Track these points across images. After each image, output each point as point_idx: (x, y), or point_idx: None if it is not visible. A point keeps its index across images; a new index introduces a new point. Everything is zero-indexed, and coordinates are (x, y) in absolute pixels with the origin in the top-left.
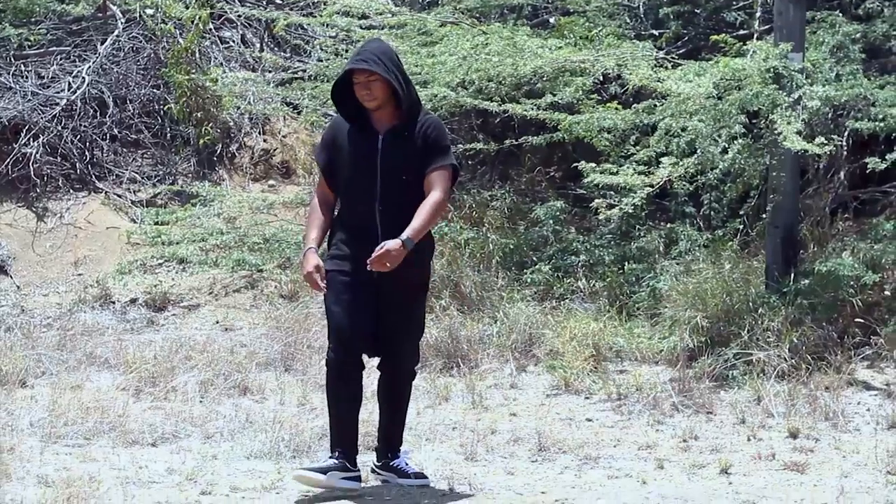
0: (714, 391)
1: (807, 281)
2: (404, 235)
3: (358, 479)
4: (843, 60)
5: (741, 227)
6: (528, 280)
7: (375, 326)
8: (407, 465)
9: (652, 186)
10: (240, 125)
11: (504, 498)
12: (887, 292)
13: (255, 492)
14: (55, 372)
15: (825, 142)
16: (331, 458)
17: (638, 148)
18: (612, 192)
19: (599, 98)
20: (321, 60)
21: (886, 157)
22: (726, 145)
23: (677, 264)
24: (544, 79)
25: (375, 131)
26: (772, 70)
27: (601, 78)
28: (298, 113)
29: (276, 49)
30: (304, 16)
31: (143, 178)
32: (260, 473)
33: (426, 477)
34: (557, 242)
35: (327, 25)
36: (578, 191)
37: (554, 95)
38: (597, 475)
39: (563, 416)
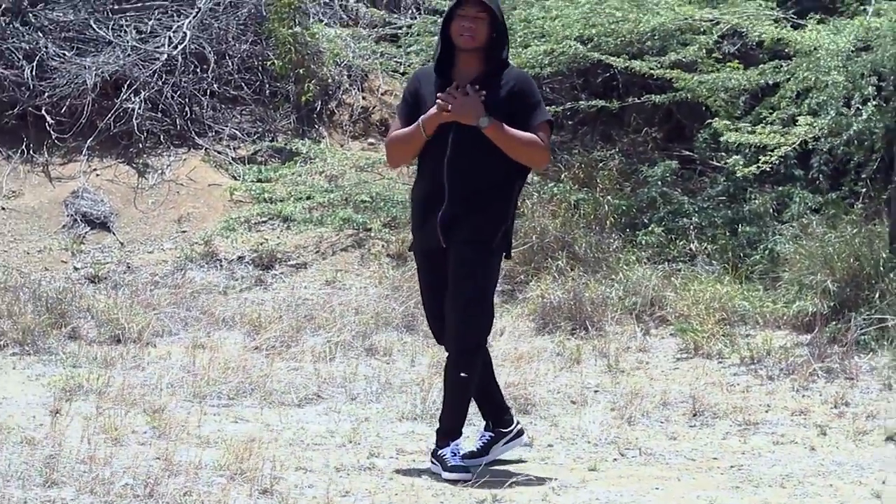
0: (849, 356)
1: None
2: (490, 118)
3: (520, 433)
4: None
5: (863, 190)
6: (642, 242)
7: None
8: (454, 456)
9: (790, 146)
10: (339, 82)
11: (678, 464)
12: None
13: (422, 455)
14: (175, 331)
15: None
16: (486, 431)
17: (769, 108)
18: (723, 154)
19: (718, 57)
20: (415, 18)
21: None
22: (859, 106)
23: (792, 227)
24: (655, 37)
25: (453, 82)
26: None
27: (718, 37)
28: (396, 72)
29: (369, 4)
30: None
31: (242, 134)
32: (420, 436)
33: (468, 471)
34: (666, 204)
35: None
36: (684, 152)
37: (678, 53)
38: (761, 441)
39: (702, 380)
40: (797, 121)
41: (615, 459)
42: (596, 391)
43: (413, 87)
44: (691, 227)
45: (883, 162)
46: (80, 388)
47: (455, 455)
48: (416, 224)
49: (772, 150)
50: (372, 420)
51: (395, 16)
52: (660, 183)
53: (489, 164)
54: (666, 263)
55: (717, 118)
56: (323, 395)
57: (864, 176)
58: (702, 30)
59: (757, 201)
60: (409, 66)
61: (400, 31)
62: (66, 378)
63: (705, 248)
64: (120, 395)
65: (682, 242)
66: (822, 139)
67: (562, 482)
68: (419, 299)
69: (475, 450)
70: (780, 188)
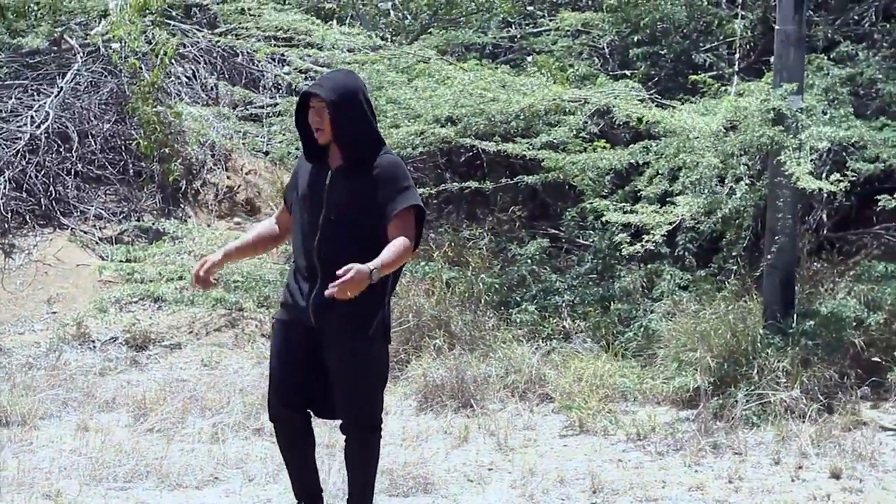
0: (733, 431)
1: (812, 322)
2: (372, 264)
3: None
4: (833, 103)
5: (734, 267)
6: (517, 320)
7: (314, 381)
8: None
9: (670, 224)
10: (203, 161)
11: None
12: None
13: None
14: (57, 413)
15: (840, 178)
16: None
17: (645, 184)
18: (590, 232)
19: (585, 137)
20: (274, 97)
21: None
22: (733, 185)
23: (665, 304)
24: (521, 118)
25: (327, 167)
26: (772, 111)
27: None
28: (260, 151)
29: (227, 84)
30: (283, 47)
31: (108, 214)
32: None
33: None
34: (537, 283)
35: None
36: (550, 230)
37: (548, 135)
38: None
39: (593, 457)
40: (670, 200)
41: None
42: (490, 469)
43: (296, 167)
44: (563, 304)
45: (750, 240)
46: None
47: None
48: (287, 297)
49: (652, 229)
50: (274, 502)
51: (256, 95)
52: (529, 261)
53: (359, 249)
54: (541, 341)
55: (583, 197)
56: (220, 477)
57: (734, 253)
58: (568, 110)
59: (626, 279)
60: (270, 146)
61: (261, 111)
62: None
63: (578, 325)
64: (16, 479)
65: (555, 320)
66: (696, 218)
67: None
68: None
69: None
70: (649, 266)
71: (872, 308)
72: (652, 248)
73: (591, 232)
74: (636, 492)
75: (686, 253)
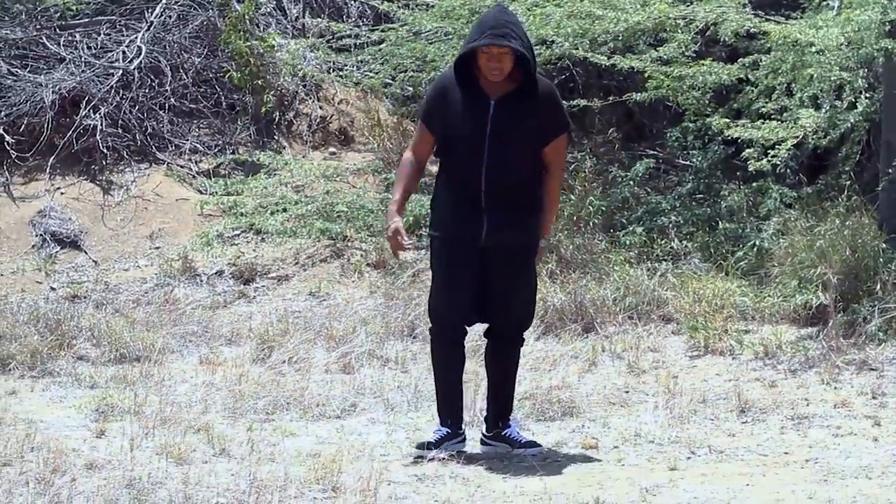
0: (861, 347)
1: None
2: (543, 240)
3: (464, 440)
4: None
5: (847, 182)
6: (626, 242)
7: (479, 293)
8: (518, 433)
9: (796, 139)
10: (295, 92)
11: (753, 460)
12: None
13: (496, 460)
14: (177, 348)
15: None
16: (443, 427)
17: (749, 101)
18: (693, 151)
19: (689, 55)
20: (359, 27)
21: None
22: (853, 100)
23: (775, 222)
24: (619, 39)
25: (486, 96)
26: (889, 24)
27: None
28: (354, 82)
29: (320, 19)
30: None
31: (203, 148)
32: (476, 441)
33: (539, 445)
34: (640, 204)
35: None
36: (648, 151)
37: (657, 51)
38: (820, 434)
39: (726, 377)
40: (775, 117)
41: (689, 458)
42: (627, 392)
43: (439, 93)
44: (670, 225)
45: (862, 154)
46: (113, 408)
47: (520, 432)
48: (453, 219)
49: (776, 144)
50: (424, 429)
51: (343, 25)
52: (632, 182)
53: (523, 166)
54: (650, 262)
55: (684, 116)
56: (361, 406)
57: (847, 169)
58: (666, 28)
59: (732, 198)
60: (361, 75)
61: (350, 41)
62: (98, 399)
63: (686, 246)
64: (159, 414)
65: (663, 241)
66: (817, 132)
67: (651, 482)
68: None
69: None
70: (754, 184)
71: None
72: (778, 164)
73: (694, 152)
74: (783, 410)
75: (789, 170)
